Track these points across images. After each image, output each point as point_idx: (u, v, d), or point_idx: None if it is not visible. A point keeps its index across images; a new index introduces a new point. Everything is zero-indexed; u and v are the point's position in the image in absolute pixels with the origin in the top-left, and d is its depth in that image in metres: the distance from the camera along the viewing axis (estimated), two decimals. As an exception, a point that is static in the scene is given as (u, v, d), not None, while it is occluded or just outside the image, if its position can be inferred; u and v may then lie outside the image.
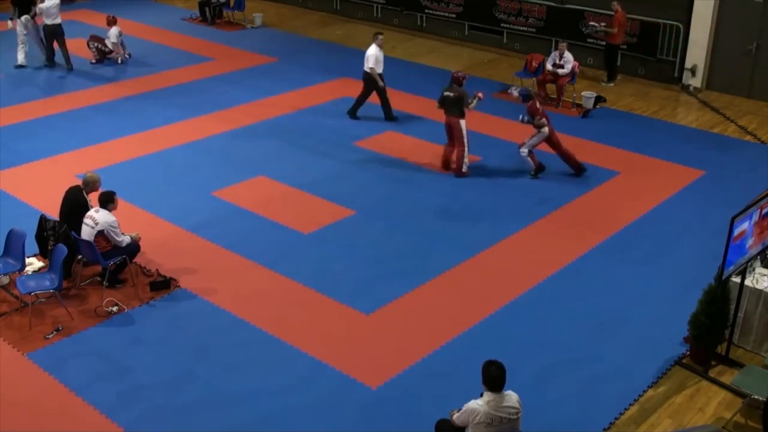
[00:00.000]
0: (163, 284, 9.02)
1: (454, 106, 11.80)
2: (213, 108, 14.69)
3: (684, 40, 16.05)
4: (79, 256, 9.03)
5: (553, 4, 17.65)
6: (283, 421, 7.08)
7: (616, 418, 7.18)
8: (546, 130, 11.70)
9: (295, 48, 18.85)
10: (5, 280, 8.94)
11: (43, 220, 9.12)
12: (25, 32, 16.67)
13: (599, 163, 12.50)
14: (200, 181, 11.70)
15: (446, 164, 12.18)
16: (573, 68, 14.88)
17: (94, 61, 17.25)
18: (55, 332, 8.22)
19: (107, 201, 8.80)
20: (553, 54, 15.25)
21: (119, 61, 17.31)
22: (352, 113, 14.20)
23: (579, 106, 15.00)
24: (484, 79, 16.21)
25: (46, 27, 16.54)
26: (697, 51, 15.88)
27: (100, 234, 8.65)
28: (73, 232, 8.81)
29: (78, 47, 17.56)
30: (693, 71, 16.02)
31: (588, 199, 11.39)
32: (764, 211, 7.48)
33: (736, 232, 7.12)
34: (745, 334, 8.11)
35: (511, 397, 5.96)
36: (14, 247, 8.74)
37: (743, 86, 15.69)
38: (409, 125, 13.99)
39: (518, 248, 10.05)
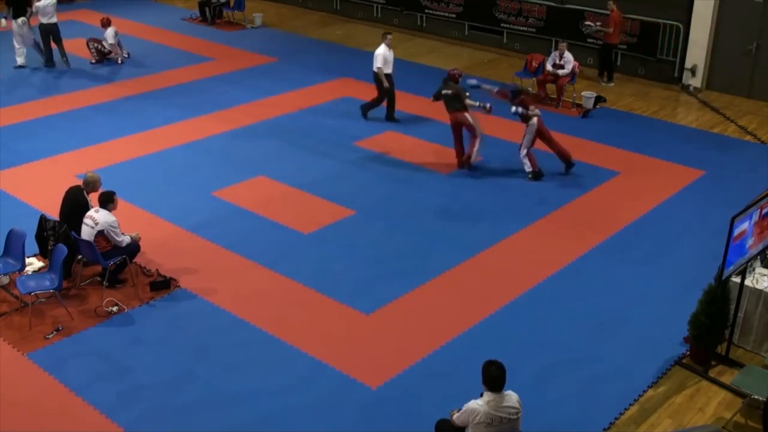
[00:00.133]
0: (163, 284, 9.02)
1: (456, 102, 11.84)
2: (213, 108, 14.69)
3: (684, 40, 16.05)
4: (79, 256, 9.03)
5: (553, 4, 17.66)
6: (283, 421, 7.08)
7: (616, 418, 7.18)
8: (535, 121, 11.67)
9: (295, 48, 18.85)
10: (5, 280, 8.94)
11: (43, 220, 9.13)
12: (20, 35, 16.60)
13: (599, 163, 12.51)
14: (200, 181, 11.70)
15: (461, 162, 12.22)
16: (573, 68, 14.89)
17: (93, 61, 17.25)
18: (55, 332, 8.22)
19: (107, 201, 8.80)
20: (553, 54, 15.25)
21: (119, 62, 17.31)
22: (364, 113, 14.14)
23: (579, 106, 15.00)
24: (484, 79, 16.18)
25: (41, 26, 16.54)
26: (697, 51, 15.89)
27: (100, 234, 8.65)
28: (73, 232, 8.81)
29: (78, 47, 17.57)
30: (693, 71, 16.02)
31: (588, 199, 11.39)
32: (764, 211, 7.48)
33: (736, 232, 7.12)
34: (745, 334, 8.11)
35: (511, 397, 5.96)
36: (14, 247, 8.74)
37: (743, 86, 15.69)
38: (410, 125, 13.99)
39: (518, 248, 10.05)
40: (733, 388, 7.39)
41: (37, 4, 16.32)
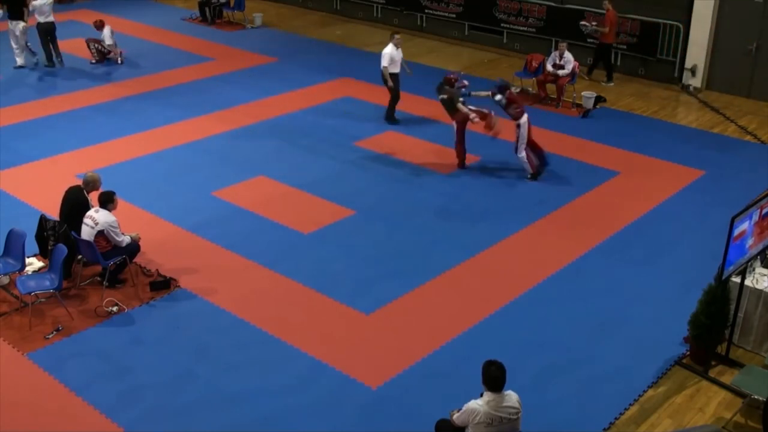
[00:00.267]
0: (163, 284, 9.02)
1: (452, 106, 11.83)
2: (213, 108, 14.69)
3: (684, 40, 16.05)
4: (79, 256, 9.03)
5: (553, 4, 17.65)
6: (283, 421, 7.08)
7: (616, 418, 7.18)
8: (525, 118, 11.64)
9: (295, 48, 18.85)
10: (5, 280, 8.95)
11: (43, 220, 9.13)
12: (16, 35, 16.56)
13: (599, 163, 12.51)
14: (200, 181, 11.70)
15: (462, 163, 12.21)
16: (573, 68, 14.89)
17: (93, 61, 17.26)
18: (55, 332, 8.22)
19: (107, 201, 8.80)
20: (553, 54, 15.24)
21: (119, 62, 17.31)
22: (390, 118, 14.05)
23: (579, 106, 15.00)
24: (484, 79, 16.17)
25: (39, 25, 16.54)
26: (697, 51, 15.89)
27: (100, 234, 8.65)
28: (73, 232, 8.81)
29: (78, 47, 17.58)
30: (693, 71, 16.02)
31: (588, 199, 11.39)
32: (764, 211, 7.48)
33: (736, 232, 7.12)
34: (745, 334, 8.11)
35: (511, 397, 5.96)
36: (14, 247, 8.74)
37: (743, 86, 15.69)
38: (410, 125, 13.99)
39: (518, 248, 10.05)
40: (733, 388, 7.39)
41: (34, 3, 16.32)
